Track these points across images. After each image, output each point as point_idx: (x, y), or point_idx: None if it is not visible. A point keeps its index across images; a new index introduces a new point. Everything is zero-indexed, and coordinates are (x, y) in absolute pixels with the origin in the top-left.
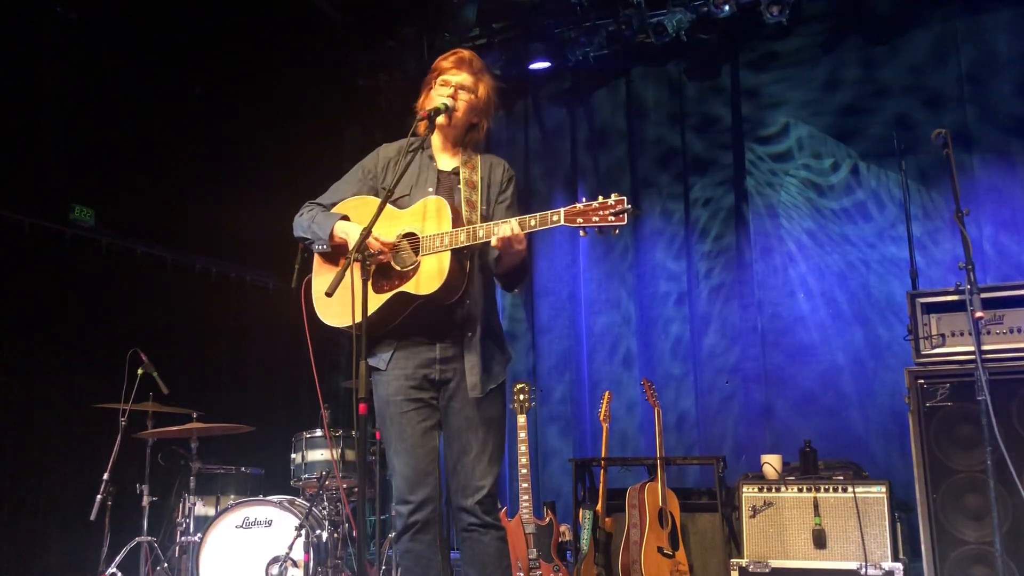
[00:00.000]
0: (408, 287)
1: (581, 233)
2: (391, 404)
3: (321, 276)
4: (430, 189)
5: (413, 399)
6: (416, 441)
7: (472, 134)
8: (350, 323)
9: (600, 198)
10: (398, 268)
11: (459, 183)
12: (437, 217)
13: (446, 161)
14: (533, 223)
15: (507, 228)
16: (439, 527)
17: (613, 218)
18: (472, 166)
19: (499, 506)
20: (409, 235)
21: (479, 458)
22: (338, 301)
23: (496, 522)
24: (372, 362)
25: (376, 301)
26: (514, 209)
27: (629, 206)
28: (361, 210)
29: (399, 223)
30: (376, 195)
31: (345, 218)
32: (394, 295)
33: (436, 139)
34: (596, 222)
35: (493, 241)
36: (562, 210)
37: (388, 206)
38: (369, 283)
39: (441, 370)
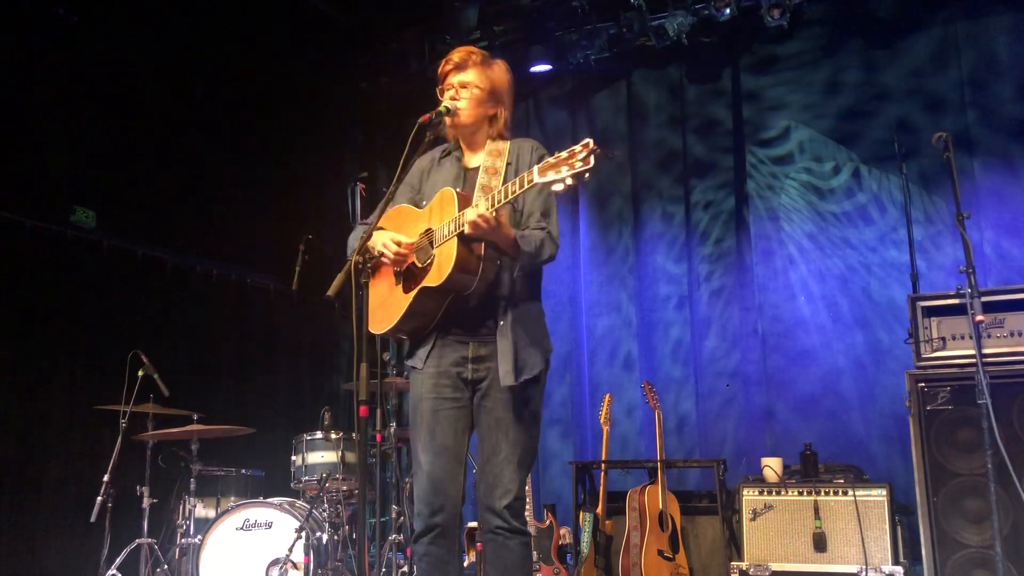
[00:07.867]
0: (427, 281)
1: (561, 187)
2: (423, 401)
3: (373, 287)
4: (457, 189)
5: (447, 398)
6: (447, 442)
7: (493, 125)
8: (381, 329)
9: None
10: (420, 265)
11: (480, 174)
12: (448, 207)
13: (474, 159)
14: (515, 188)
15: (471, 211)
16: (459, 531)
17: (581, 163)
18: (498, 153)
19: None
20: (428, 231)
21: (509, 460)
22: (376, 309)
23: (522, 527)
24: (410, 362)
25: (404, 302)
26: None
27: (596, 148)
28: (395, 219)
29: (422, 222)
30: (416, 206)
31: (380, 229)
32: (417, 292)
33: (462, 141)
34: (567, 172)
35: (465, 228)
36: (535, 167)
37: (412, 208)
38: (400, 286)
39: (474, 369)
